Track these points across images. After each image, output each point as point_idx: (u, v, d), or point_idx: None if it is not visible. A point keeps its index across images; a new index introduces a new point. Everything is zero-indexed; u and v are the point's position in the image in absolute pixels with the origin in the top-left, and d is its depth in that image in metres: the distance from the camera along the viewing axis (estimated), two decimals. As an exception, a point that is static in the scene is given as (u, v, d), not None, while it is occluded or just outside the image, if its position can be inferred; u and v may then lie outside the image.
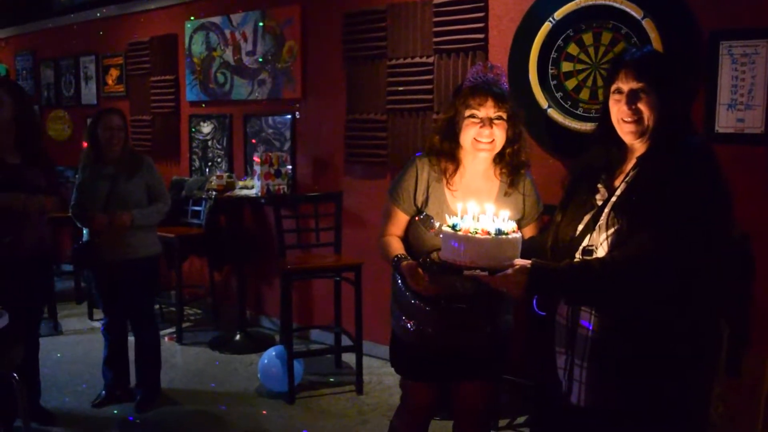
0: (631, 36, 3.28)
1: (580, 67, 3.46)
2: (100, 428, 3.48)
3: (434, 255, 1.93)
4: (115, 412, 3.65)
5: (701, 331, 1.79)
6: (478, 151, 2.25)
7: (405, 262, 2.23)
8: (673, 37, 3.14)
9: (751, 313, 2.83)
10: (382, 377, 4.12)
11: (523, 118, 2.35)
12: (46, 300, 4.33)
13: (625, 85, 1.79)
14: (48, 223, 3.50)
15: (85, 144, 3.71)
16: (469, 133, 2.23)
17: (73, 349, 4.61)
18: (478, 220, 1.86)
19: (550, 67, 3.53)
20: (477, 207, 1.87)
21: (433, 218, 2.29)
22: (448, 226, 1.83)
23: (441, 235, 1.86)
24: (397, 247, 2.35)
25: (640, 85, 1.77)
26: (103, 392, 3.76)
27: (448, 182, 2.32)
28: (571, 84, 3.49)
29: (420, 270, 2.15)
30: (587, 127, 3.37)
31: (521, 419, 3.51)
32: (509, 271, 1.77)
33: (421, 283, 2.16)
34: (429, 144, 2.37)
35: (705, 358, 1.86)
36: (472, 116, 2.21)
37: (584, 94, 3.46)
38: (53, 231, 3.77)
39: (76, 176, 3.68)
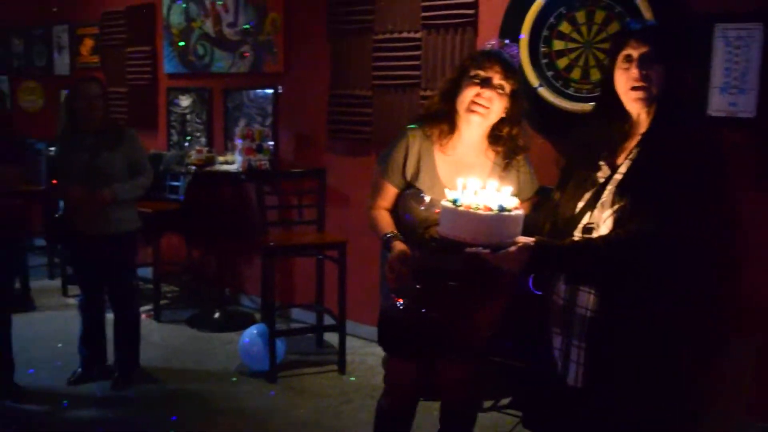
0: (624, 15, 3.23)
1: (572, 45, 3.42)
2: (77, 405, 3.40)
3: (432, 231, 1.88)
4: (92, 389, 3.56)
5: (700, 312, 1.78)
6: (471, 114, 2.20)
7: (395, 250, 2.18)
8: (666, 17, 3.10)
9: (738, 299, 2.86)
10: (364, 357, 4.08)
11: (525, 104, 2.31)
12: (16, 274, 4.18)
13: (636, 51, 1.78)
14: (15, 196, 3.37)
15: None
16: (467, 94, 2.19)
17: (48, 326, 4.48)
18: (477, 195, 1.81)
19: (541, 45, 3.47)
20: (479, 181, 1.82)
21: (423, 192, 2.24)
22: (449, 201, 1.78)
23: (441, 211, 1.80)
24: (387, 224, 2.30)
25: (650, 50, 1.76)
26: (80, 369, 3.66)
27: (441, 146, 2.27)
28: (562, 63, 3.44)
29: (406, 259, 2.13)
30: (578, 107, 3.33)
31: (505, 401, 3.50)
32: (512, 248, 1.73)
33: (396, 273, 2.15)
34: (427, 105, 2.35)
35: (702, 339, 1.85)
36: (476, 76, 2.18)
37: (576, 74, 3.41)
38: (23, 205, 3.64)
39: (50, 148, 3.55)
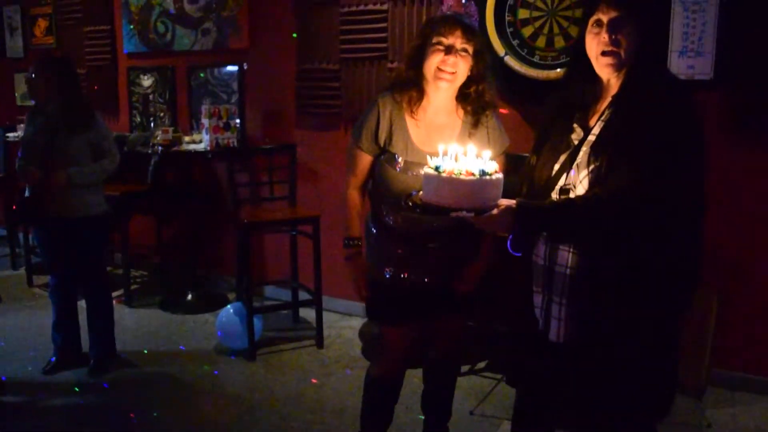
0: (587, -18, 3.28)
1: (536, 14, 3.46)
2: (55, 395, 3.36)
3: (415, 198, 1.91)
4: (69, 377, 3.52)
5: (677, 267, 1.84)
6: (439, 80, 2.23)
7: (356, 268, 2.45)
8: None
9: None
10: (340, 331, 4.12)
11: (489, 60, 2.35)
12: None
13: (606, 15, 1.79)
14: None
15: None
16: (432, 61, 2.22)
17: (16, 317, 4.40)
18: (458, 161, 1.84)
19: (506, 14, 3.50)
20: (459, 147, 1.85)
21: (397, 154, 2.27)
22: (431, 167, 1.81)
23: (423, 178, 1.83)
24: (354, 225, 2.43)
25: (620, 14, 1.77)
26: (54, 358, 3.61)
27: (412, 112, 2.30)
28: (527, 31, 3.48)
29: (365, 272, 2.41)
30: (544, 74, 3.39)
31: (482, 364, 3.58)
32: (494, 211, 1.76)
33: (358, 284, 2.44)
34: (395, 74, 2.40)
35: (679, 293, 1.91)
36: (439, 43, 2.20)
37: (541, 42, 3.46)
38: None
39: (7, 134, 3.46)
